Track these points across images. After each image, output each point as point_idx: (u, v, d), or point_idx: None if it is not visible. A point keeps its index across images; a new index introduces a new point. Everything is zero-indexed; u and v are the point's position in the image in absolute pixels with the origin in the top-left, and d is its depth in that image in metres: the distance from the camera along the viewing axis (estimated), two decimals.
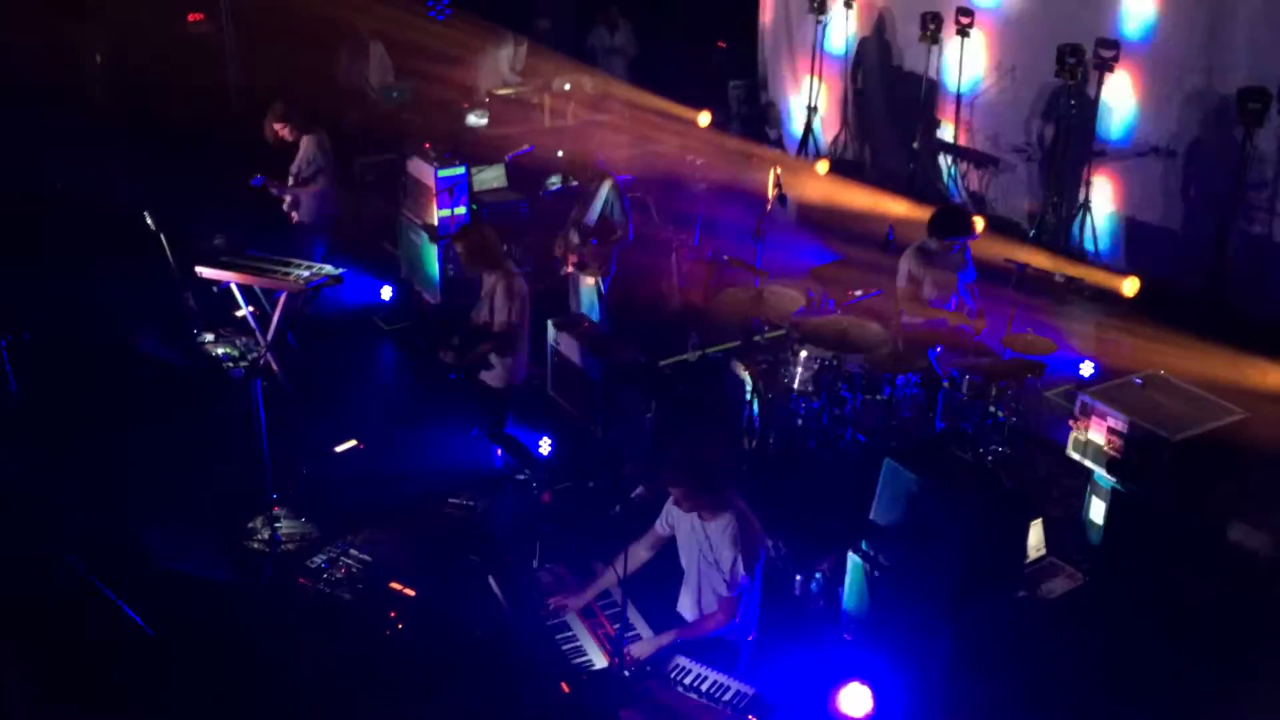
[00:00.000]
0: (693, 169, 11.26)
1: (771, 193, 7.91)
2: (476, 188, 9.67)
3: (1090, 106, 10.08)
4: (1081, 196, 10.31)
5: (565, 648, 5.05)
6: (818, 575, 5.93)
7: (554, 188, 10.18)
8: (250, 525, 6.41)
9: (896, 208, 11.02)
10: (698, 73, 12.76)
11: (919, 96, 11.82)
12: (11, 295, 8.19)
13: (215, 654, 5.63)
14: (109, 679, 5.39)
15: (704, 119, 12.35)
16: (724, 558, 4.95)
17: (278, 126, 8.96)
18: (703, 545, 5.04)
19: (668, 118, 12.29)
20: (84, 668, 5.43)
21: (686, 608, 5.25)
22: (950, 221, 7.52)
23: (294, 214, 9.10)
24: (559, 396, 8.06)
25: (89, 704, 5.28)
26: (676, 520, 5.21)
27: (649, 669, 4.85)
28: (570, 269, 8.47)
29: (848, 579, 5.67)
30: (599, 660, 4.96)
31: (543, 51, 12.25)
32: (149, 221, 7.96)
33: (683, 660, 4.84)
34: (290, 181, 9.02)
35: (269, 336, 8.05)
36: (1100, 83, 9.90)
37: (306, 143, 9.01)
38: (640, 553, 5.28)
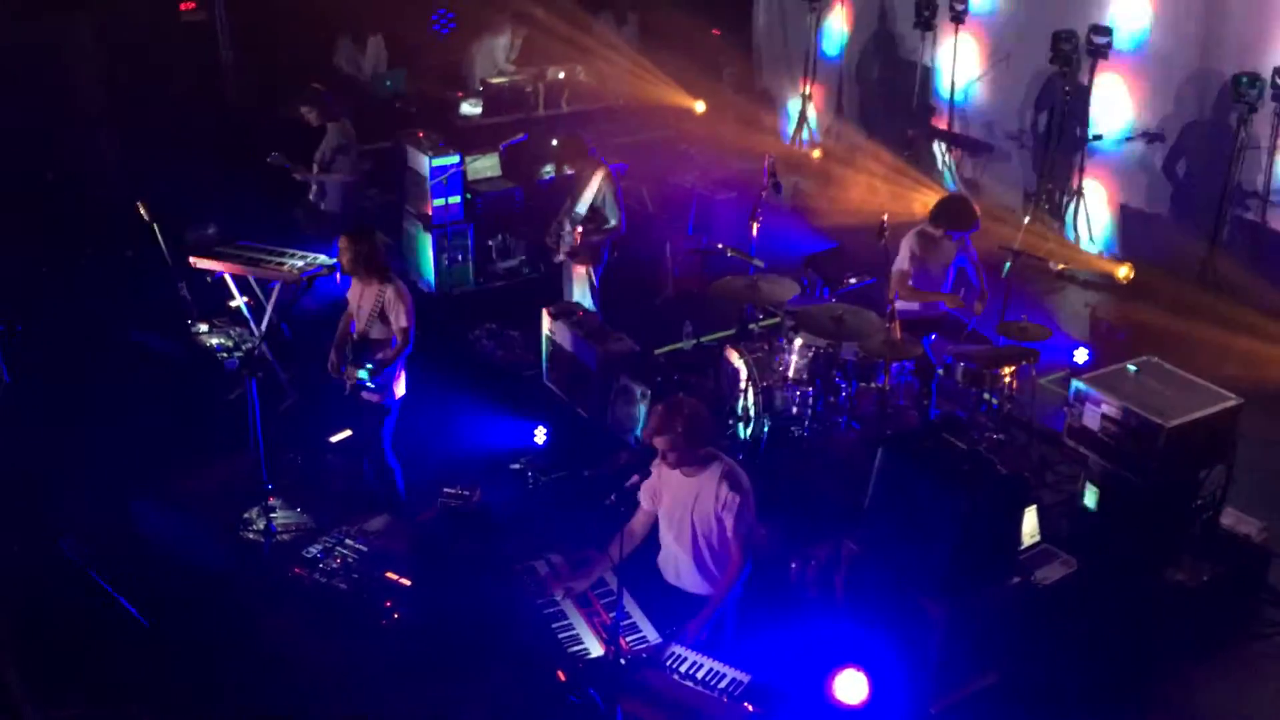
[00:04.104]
0: (687, 157, 11.25)
1: (766, 181, 7.91)
2: (470, 177, 9.65)
3: (1084, 93, 10.08)
4: (1075, 183, 10.32)
5: (561, 636, 5.05)
6: (813, 562, 5.94)
7: (548, 176, 10.16)
8: (245, 515, 6.41)
9: (891, 195, 11.03)
10: (692, 61, 12.72)
11: (913, 84, 11.81)
12: (4, 285, 8.17)
13: (210, 644, 5.63)
14: (105, 668, 5.40)
15: (699, 107, 12.33)
16: (724, 499, 5.00)
17: (304, 110, 9.05)
18: (695, 500, 5.07)
19: (662, 105, 12.27)
20: (80, 656, 5.44)
21: (680, 575, 5.25)
22: (953, 213, 7.52)
23: (320, 204, 9.15)
24: (553, 386, 8.07)
25: (85, 692, 5.28)
26: (661, 488, 5.23)
27: (645, 657, 4.87)
28: (563, 258, 8.47)
29: (842, 565, 5.69)
30: (595, 649, 4.96)
31: (538, 40, 12.20)
32: (142, 211, 7.95)
33: (678, 648, 4.85)
34: (315, 169, 9.06)
35: (263, 327, 8.03)
36: (1094, 69, 9.90)
37: (331, 131, 9.06)
38: (634, 534, 5.31)
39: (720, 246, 8.26)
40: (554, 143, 9.96)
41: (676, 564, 5.24)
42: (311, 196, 9.25)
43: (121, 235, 8.78)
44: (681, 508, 5.13)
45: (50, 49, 10.51)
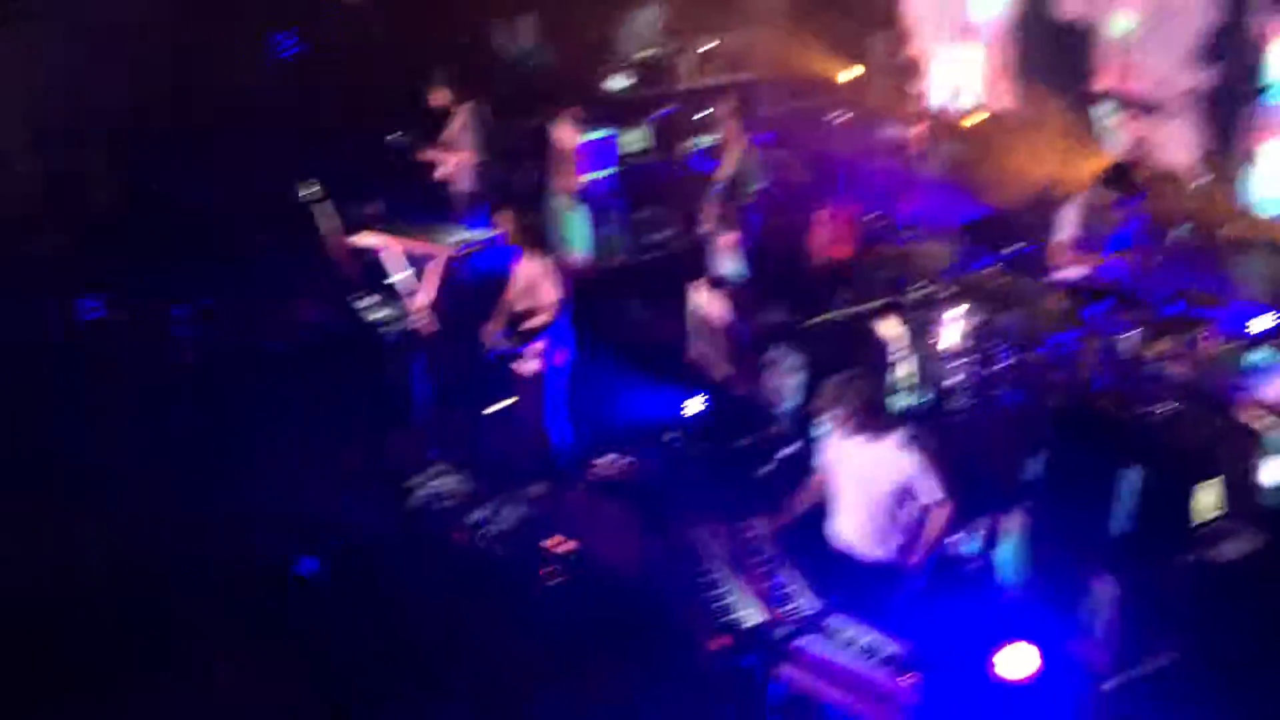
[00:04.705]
0: (839, 124, 11.05)
1: (919, 147, 7.73)
2: (620, 150, 9.70)
3: (1258, 48, 9.50)
4: (1252, 143, 9.76)
5: (721, 603, 5.07)
6: (974, 535, 5.81)
7: (697, 148, 10.14)
8: (411, 482, 6.61)
9: (1054, 159, 10.62)
10: (843, 25, 12.48)
11: (1077, 42, 11.32)
12: (177, 266, 8.56)
13: (376, 604, 5.85)
14: (279, 626, 5.65)
15: (849, 73, 12.11)
16: (912, 465, 4.98)
17: (437, 93, 9.24)
18: (878, 467, 5.05)
19: (812, 73, 12.08)
20: (254, 612, 5.71)
21: (858, 542, 5.23)
22: (1123, 178, 7.23)
23: (451, 181, 9.33)
24: (700, 358, 8.06)
25: (258, 649, 5.54)
26: (838, 451, 5.21)
27: (804, 625, 4.86)
28: (711, 228, 8.45)
29: (1005, 538, 5.55)
30: (754, 615, 4.97)
31: (686, 10, 12.14)
32: (307, 191, 8.24)
33: (838, 618, 4.82)
34: (443, 149, 9.25)
35: (423, 300, 8.25)
36: (1270, 23, 9.32)
37: (462, 112, 9.23)
38: (810, 496, 5.34)
39: (872, 214, 8.12)
40: (701, 114, 9.97)
41: (854, 530, 5.22)
42: (441, 175, 9.41)
43: (289, 214, 9.10)
44: (861, 474, 5.11)
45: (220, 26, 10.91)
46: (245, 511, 6.40)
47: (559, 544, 5.79)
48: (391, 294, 8.44)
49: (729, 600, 5.06)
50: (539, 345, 6.60)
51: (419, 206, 8.86)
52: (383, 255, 8.31)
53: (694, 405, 7.38)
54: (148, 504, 6.40)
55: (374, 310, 8.34)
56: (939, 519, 5.07)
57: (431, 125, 9.34)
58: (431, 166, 9.30)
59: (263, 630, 5.63)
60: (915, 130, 10.47)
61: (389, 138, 9.13)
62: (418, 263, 8.42)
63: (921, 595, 5.13)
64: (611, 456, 6.59)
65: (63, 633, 5.44)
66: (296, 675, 5.41)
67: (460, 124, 9.16)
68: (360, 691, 5.37)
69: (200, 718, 5.22)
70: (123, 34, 10.03)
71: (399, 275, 8.34)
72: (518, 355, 6.63)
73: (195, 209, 9.41)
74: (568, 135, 9.61)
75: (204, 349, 7.73)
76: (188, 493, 6.56)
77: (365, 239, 8.29)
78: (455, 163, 9.22)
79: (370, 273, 8.49)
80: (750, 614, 4.97)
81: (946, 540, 5.20)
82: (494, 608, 5.81)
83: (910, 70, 13.41)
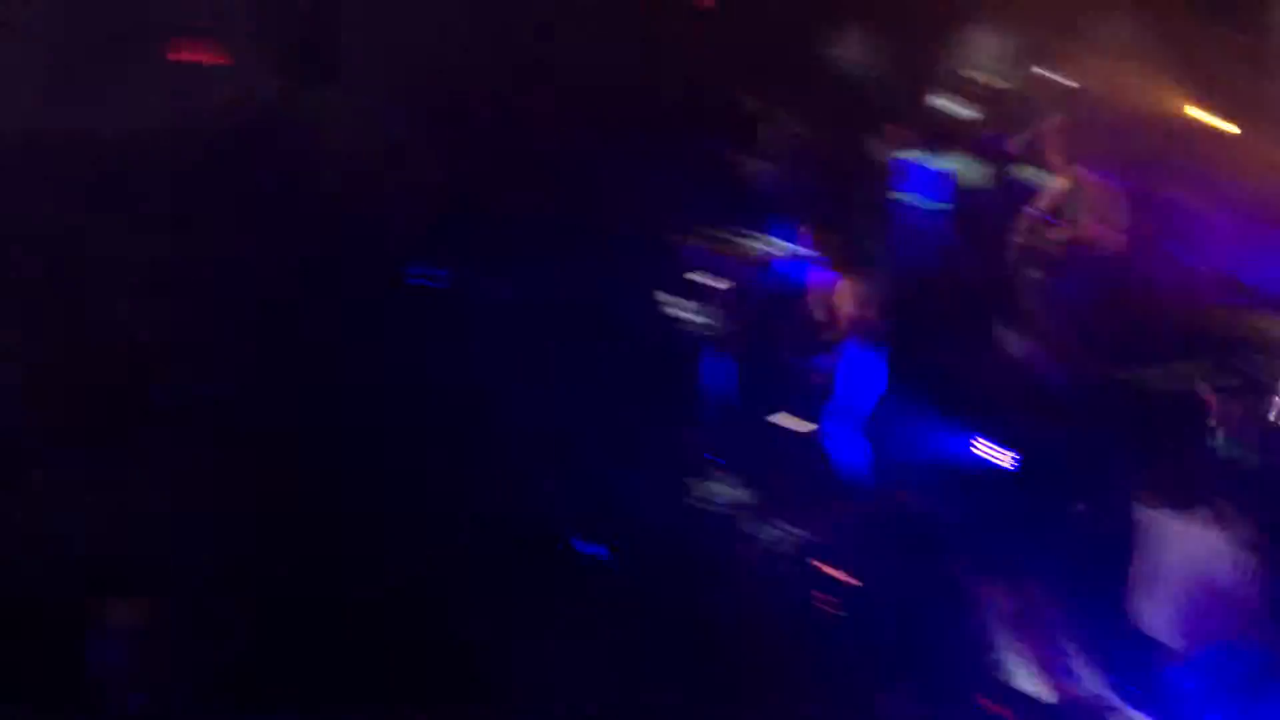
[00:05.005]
0: (1190, 169, 10.34)
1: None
2: (940, 175, 9.52)
3: None
4: None
5: (994, 661, 4.96)
6: None
7: (1020, 180, 9.77)
8: (695, 486, 6.77)
9: None
10: (1200, 64, 11.62)
11: None
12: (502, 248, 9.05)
13: (649, 603, 6.03)
14: (568, 612, 5.96)
15: (1210, 116, 11.27)
16: (1233, 556, 4.70)
17: (748, 101, 9.42)
18: (1194, 551, 4.78)
19: (1161, 113, 11.35)
20: (549, 602, 6.02)
21: (1150, 618, 4.96)
22: None
23: (758, 190, 9.48)
24: (1001, 396, 7.78)
25: (549, 634, 5.80)
26: (1144, 524, 4.98)
27: (1079, 702, 4.67)
28: (1026, 262, 8.15)
29: None
30: (1028, 683, 4.82)
31: (1031, 38, 11.68)
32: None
33: (1116, 701, 4.61)
34: (749, 157, 9.43)
35: (728, 306, 8.41)
36: None
37: (768, 122, 9.38)
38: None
39: (1214, 272, 7.57)
40: (1030, 144, 9.60)
41: (1152, 611, 4.96)
42: (750, 179, 9.50)
43: (596, 215, 9.45)
44: (1167, 553, 4.86)
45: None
46: (534, 491, 6.72)
47: (835, 570, 5.79)
48: (701, 296, 8.68)
49: (1006, 663, 4.93)
50: (838, 363, 6.62)
51: (732, 213, 9.02)
52: (694, 258, 8.55)
53: (988, 449, 7.17)
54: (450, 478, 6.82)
55: (679, 311, 8.60)
56: (1248, 614, 4.71)
57: (748, 132, 9.48)
58: (742, 174, 9.47)
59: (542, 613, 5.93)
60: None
61: (697, 144, 9.34)
62: (726, 267, 8.62)
63: (1220, 695, 4.79)
64: (903, 490, 6.52)
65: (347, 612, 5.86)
66: (571, 655, 5.68)
67: (766, 133, 9.29)
68: (625, 681, 5.59)
69: (486, 694, 5.51)
70: (477, 22, 10.75)
71: (708, 279, 8.56)
72: (815, 370, 6.67)
73: (521, 196, 9.95)
74: (889, 154, 9.51)
75: (520, 331, 8.15)
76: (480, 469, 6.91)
77: (678, 241, 8.54)
78: (758, 172, 9.36)
79: (682, 273, 8.76)
80: (1027, 682, 4.83)
81: (1257, 640, 4.83)
82: (760, 624, 5.87)
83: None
